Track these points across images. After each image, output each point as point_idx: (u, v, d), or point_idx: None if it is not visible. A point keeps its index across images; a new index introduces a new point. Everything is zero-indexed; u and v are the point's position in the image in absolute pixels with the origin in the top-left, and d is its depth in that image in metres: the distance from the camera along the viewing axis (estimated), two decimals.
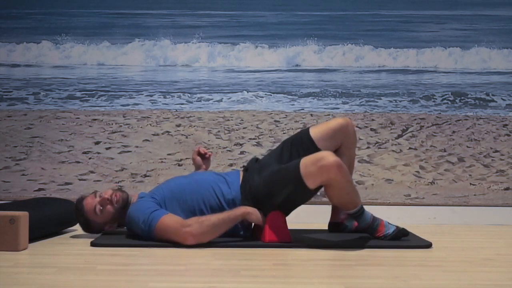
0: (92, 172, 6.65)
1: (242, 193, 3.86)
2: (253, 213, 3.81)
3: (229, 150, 7.49)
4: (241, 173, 3.96)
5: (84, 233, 4.11)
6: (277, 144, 7.35)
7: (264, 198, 3.83)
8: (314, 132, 4.02)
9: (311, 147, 3.96)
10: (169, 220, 3.75)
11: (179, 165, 6.90)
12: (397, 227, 3.92)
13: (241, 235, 3.87)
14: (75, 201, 4.05)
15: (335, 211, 4.18)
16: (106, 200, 3.90)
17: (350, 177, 3.82)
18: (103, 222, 3.92)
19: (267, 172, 3.88)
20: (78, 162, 6.99)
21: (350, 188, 3.78)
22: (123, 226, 3.98)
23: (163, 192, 3.90)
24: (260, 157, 4.33)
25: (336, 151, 3.96)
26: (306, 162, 3.77)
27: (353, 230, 4.09)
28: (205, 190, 3.88)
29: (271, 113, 9.80)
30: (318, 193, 5.81)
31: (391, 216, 4.24)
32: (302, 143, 3.98)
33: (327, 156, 3.73)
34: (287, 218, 3.89)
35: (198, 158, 4.21)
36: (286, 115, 9.55)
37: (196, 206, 3.85)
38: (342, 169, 3.72)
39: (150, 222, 3.76)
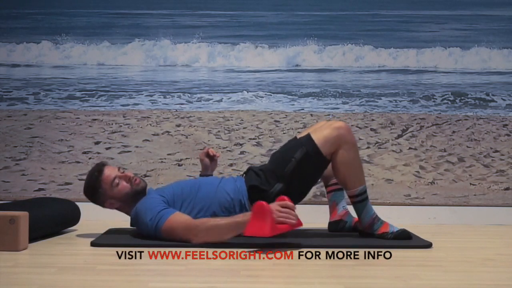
0: None
1: (246, 183, 3.88)
2: None
3: (229, 150, 7.49)
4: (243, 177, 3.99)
5: (84, 232, 4.11)
6: (277, 144, 7.39)
7: (273, 173, 3.85)
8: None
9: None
10: (177, 219, 3.76)
11: (179, 165, 6.90)
12: (400, 229, 3.93)
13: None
14: (75, 201, 4.04)
15: (333, 209, 4.18)
16: (127, 177, 3.91)
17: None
18: (110, 195, 3.90)
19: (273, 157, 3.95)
20: (78, 162, 7.00)
21: (357, 155, 3.91)
22: (121, 211, 3.97)
23: (173, 189, 3.91)
24: (259, 157, 4.34)
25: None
26: (316, 128, 3.92)
27: (353, 227, 4.10)
28: (213, 188, 3.90)
29: (271, 113, 9.80)
30: (318, 193, 5.81)
31: (391, 216, 4.24)
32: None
33: (335, 121, 3.93)
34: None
35: (207, 159, 4.23)
36: (286, 115, 9.55)
37: (205, 206, 3.86)
38: (351, 131, 3.90)
39: (158, 220, 3.76)
